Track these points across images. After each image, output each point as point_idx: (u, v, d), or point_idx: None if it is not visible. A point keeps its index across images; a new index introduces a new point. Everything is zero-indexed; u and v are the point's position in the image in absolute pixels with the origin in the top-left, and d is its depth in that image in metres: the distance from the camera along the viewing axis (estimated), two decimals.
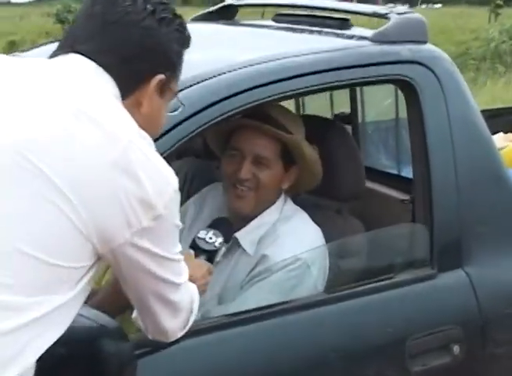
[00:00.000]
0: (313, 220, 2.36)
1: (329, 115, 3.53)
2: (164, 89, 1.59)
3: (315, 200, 2.53)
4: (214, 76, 2.03)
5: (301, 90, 2.15)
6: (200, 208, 2.49)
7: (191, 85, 1.97)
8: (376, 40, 2.29)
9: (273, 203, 2.35)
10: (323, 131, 2.52)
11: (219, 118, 1.98)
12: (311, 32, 2.52)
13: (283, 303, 2.10)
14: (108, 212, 1.41)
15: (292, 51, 2.21)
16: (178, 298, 1.64)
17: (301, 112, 3.55)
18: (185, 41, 1.63)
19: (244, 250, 2.30)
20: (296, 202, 2.41)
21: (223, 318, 2.03)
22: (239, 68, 2.08)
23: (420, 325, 2.20)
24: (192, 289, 1.74)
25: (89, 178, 1.40)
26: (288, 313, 2.06)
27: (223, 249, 2.15)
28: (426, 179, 2.25)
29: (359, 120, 3.41)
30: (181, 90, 1.82)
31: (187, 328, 1.75)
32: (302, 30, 2.57)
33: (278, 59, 2.14)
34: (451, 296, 2.28)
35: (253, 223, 2.32)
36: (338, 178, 2.46)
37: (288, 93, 2.13)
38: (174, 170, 1.54)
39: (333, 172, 2.45)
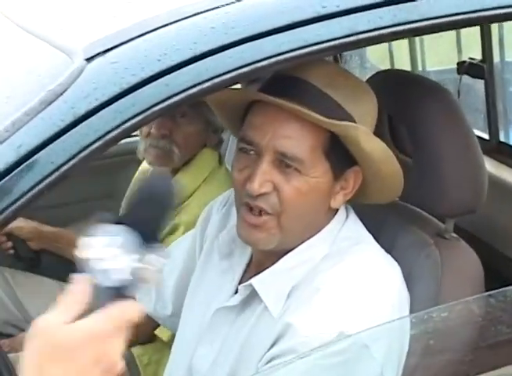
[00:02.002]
0: (394, 253, 1.41)
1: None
2: None
3: (403, 214, 1.57)
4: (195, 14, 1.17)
5: (355, 37, 1.17)
6: (228, 213, 1.57)
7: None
8: None
9: (320, 229, 1.40)
10: (417, 101, 1.52)
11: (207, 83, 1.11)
12: None
13: None
14: None
15: None
16: None
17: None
18: None
19: (266, 307, 1.38)
20: (366, 217, 1.45)
21: None
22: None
23: None
24: None
25: None
26: None
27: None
28: None
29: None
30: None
31: None
32: None
33: None
34: None
35: (279, 264, 1.38)
36: (442, 184, 1.49)
37: (333, 42, 1.17)
38: None
39: (434, 175, 1.50)
